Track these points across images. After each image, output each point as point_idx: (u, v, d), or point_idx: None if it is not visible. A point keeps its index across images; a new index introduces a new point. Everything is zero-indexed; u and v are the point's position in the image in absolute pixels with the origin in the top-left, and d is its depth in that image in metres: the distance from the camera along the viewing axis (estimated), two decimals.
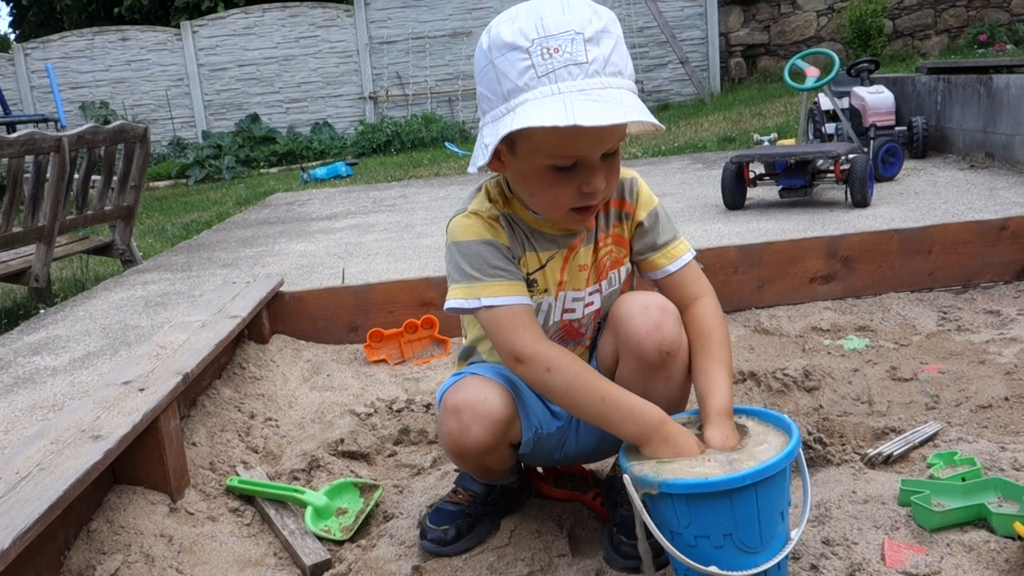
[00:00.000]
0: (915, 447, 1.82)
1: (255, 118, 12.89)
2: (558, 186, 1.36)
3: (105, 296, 4.51)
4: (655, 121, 1.29)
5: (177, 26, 13.18)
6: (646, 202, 1.57)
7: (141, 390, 1.87)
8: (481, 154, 1.35)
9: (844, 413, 2.11)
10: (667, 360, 1.46)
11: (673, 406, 1.52)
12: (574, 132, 1.24)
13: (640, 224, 1.56)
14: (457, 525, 1.63)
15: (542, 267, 1.50)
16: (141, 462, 1.80)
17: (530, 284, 1.50)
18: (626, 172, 1.56)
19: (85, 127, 4.74)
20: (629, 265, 1.61)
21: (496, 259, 1.44)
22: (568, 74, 1.25)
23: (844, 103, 6.18)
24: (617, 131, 1.33)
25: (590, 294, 1.56)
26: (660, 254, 1.57)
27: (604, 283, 1.57)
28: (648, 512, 1.32)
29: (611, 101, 1.25)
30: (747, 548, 1.29)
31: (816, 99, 6.28)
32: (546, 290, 1.51)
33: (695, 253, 1.59)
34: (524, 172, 1.38)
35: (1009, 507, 1.47)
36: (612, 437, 1.57)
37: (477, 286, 1.43)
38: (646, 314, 1.45)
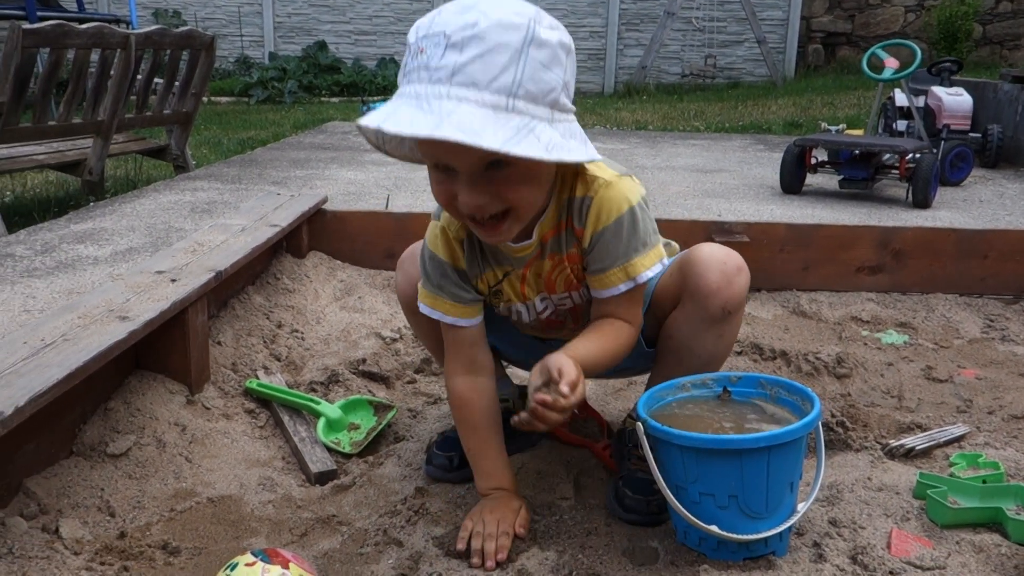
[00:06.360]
0: (939, 445, 1.78)
1: (323, 46, 12.84)
2: (442, 187, 1.30)
3: (154, 197, 4.57)
4: (498, 148, 1.11)
5: None
6: (594, 222, 1.39)
7: (173, 280, 1.89)
8: None
9: (872, 404, 2.06)
10: (727, 318, 1.46)
11: (714, 363, 1.52)
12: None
13: (585, 248, 1.43)
14: (462, 453, 1.62)
15: (500, 281, 1.50)
16: (165, 351, 1.82)
17: (496, 294, 1.52)
18: (597, 181, 1.38)
19: (154, 28, 4.75)
20: None
21: (446, 281, 1.49)
22: (417, 77, 1.18)
23: (920, 101, 5.97)
24: (472, 147, 1.13)
25: (561, 298, 1.52)
26: (593, 278, 1.45)
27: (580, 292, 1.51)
28: (656, 464, 1.31)
29: (432, 112, 1.13)
30: (751, 513, 1.27)
31: (891, 94, 6.08)
32: (509, 300, 1.53)
33: (644, 279, 1.41)
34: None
35: None
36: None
37: (431, 295, 1.51)
38: (723, 269, 1.44)
